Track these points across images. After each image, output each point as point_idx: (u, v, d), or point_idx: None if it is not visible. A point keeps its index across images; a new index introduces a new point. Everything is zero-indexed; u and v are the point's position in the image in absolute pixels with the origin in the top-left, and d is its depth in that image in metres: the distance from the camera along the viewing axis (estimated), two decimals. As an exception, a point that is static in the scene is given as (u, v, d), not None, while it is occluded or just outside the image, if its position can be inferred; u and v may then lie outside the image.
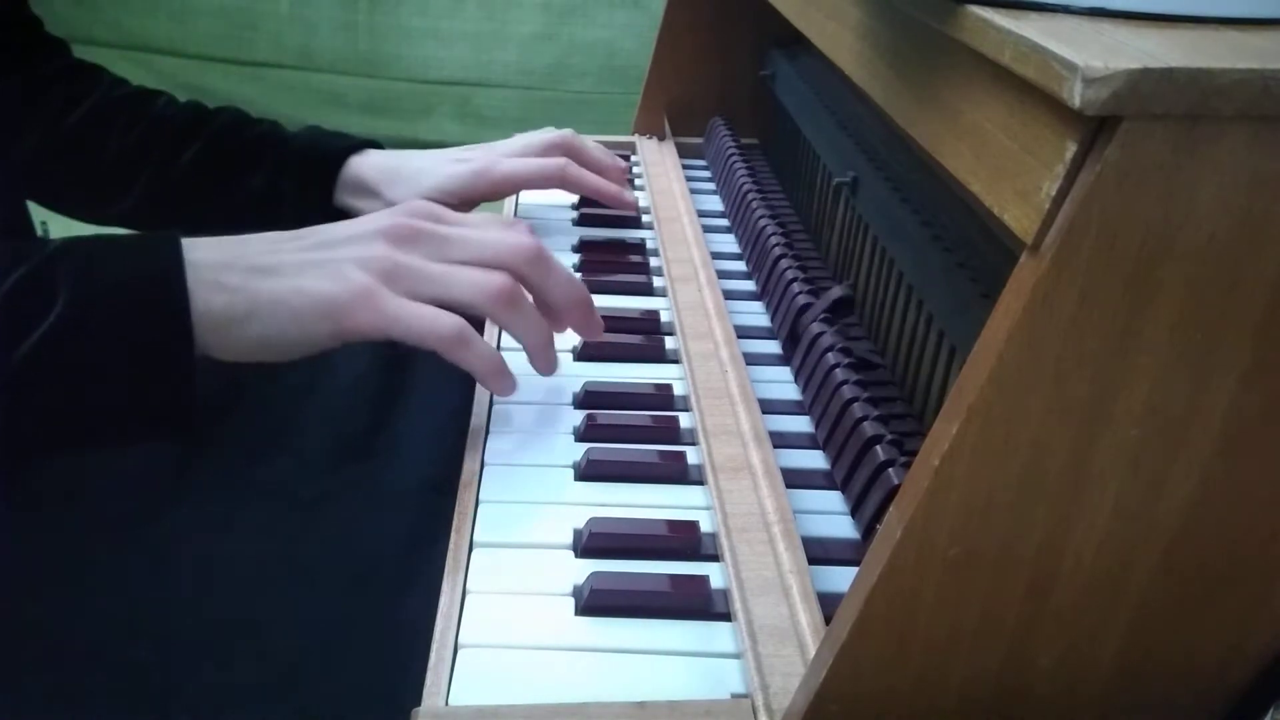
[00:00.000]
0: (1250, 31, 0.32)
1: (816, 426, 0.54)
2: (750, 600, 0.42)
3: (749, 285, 0.71)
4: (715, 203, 0.83)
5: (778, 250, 0.67)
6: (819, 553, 0.46)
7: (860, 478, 0.48)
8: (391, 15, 2.10)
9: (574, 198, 0.81)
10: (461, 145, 0.76)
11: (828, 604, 0.41)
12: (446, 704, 0.38)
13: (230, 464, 0.59)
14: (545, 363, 0.54)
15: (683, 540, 0.47)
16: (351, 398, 0.64)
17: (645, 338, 0.62)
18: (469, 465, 0.51)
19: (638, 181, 0.87)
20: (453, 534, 0.46)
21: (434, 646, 0.40)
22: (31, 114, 0.73)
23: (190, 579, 0.52)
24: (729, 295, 0.67)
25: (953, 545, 0.33)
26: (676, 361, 0.60)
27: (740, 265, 0.73)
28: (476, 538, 0.46)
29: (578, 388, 0.57)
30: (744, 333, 0.62)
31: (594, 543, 0.46)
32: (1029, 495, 0.33)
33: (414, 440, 0.61)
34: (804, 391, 0.57)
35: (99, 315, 0.45)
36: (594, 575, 0.44)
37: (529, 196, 0.82)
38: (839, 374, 0.53)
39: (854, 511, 0.49)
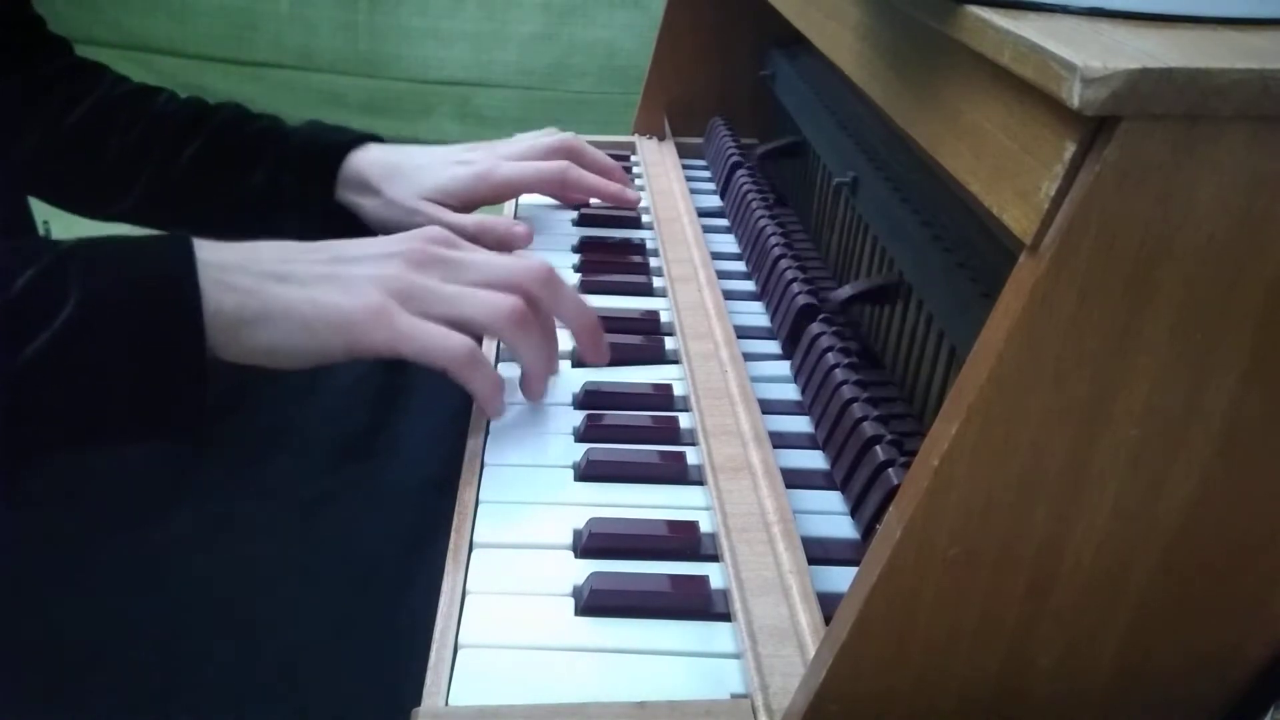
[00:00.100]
0: (1250, 31, 0.32)
1: (816, 426, 0.54)
2: (750, 600, 0.42)
3: (749, 285, 0.71)
4: (715, 203, 0.83)
5: (778, 250, 0.67)
6: (819, 553, 0.46)
7: (860, 478, 0.48)
8: (391, 15, 2.10)
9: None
10: (462, 144, 0.76)
11: (828, 604, 0.41)
12: (446, 704, 0.38)
13: (230, 464, 0.59)
14: (538, 388, 0.55)
15: (683, 540, 0.47)
16: (351, 398, 0.64)
17: (645, 338, 0.62)
18: (469, 465, 0.51)
19: (638, 181, 0.87)
20: (453, 534, 0.46)
21: (434, 646, 0.40)
22: (34, 112, 0.73)
23: (190, 579, 0.52)
24: (729, 295, 0.67)
25: (952, 545, 0.33)
26: (676, 362, 0.60)
27: (740, 265, 0.73)
28: (476, 538, 0.46)
29: (577, 388, 0.57)
30: (744, 333, 0.62)
31: (594, 543, 0.46)
32: (1029, 495, 0.33)
33: (414, 440, 0.61)
34: (804, 391, 0.57)
35: (110, 314, 0.45)
36: (594, 575, 0.44)
37: (529, 197, 0.82)
38: (839, 374, 0.53)
39: (854, 511, 0.49)
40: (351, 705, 0.48)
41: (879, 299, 0.58)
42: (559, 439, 0.54)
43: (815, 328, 0.58)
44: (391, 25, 2.10)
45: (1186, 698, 0.39)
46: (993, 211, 0.33)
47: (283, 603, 0.51)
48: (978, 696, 0.37)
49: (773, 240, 0.68)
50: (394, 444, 0.61)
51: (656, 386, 0.58)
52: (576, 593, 0.44)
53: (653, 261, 0.73)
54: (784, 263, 0.65)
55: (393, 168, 0.72)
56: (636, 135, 0.94)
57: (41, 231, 0.80)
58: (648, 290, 0.69)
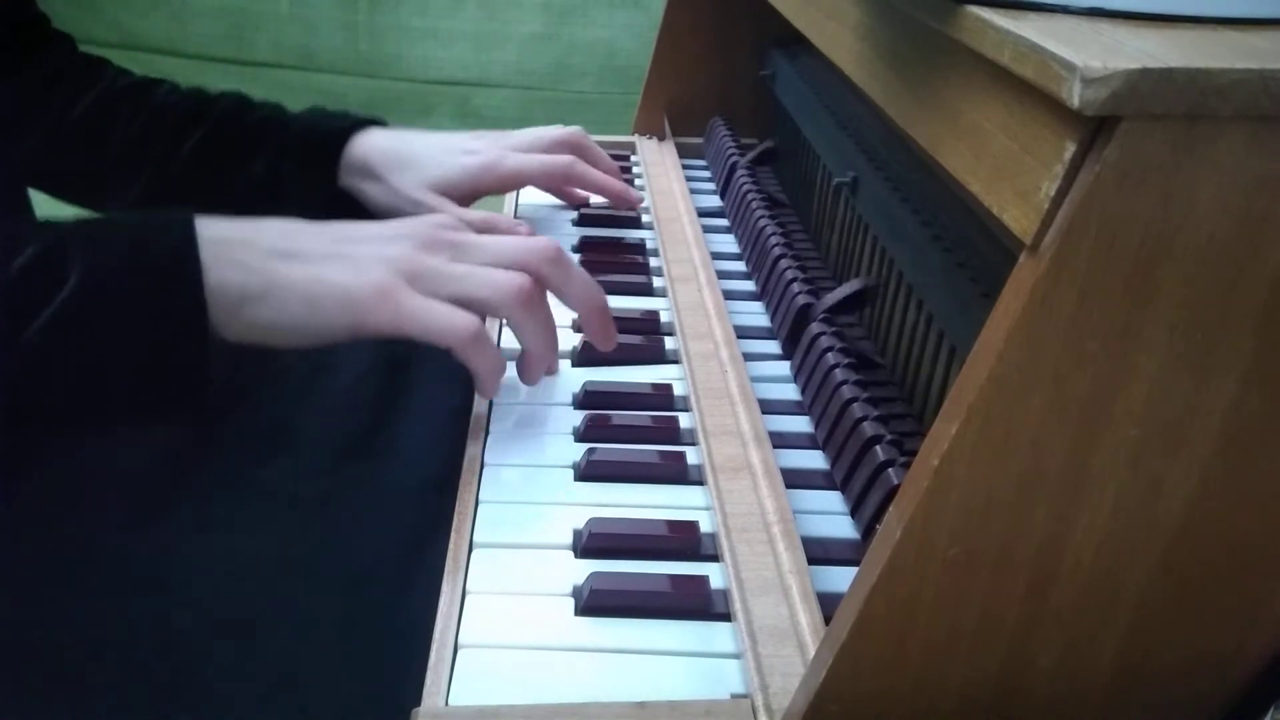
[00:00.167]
0: (1250, 31, 0.32)
1: (816, 426, 0.54)
2: (750, 600, 0.42)
3: (749, 285, 0.71)
4: (715, 203, 0.83)
5: (778, 250, 0.67)
6: (819, 553, 0.46)
7: (860, 478, 0.48)
8: (391, 15, 2.09)
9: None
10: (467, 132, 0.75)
11: (828, 604, 0.41)
12: (446, 704, 0.38)
13: (230, 464, 0.59)
14: (538, 371, 0.55)
15: (683, 540, 0.47)
16: (351, 398, 0.64)
17: (645, 338, 0.62)
18: (469, 466, 0.51)
19: (638, 182, 0.87)
20: (453, 534, 0.46)
21: (434, 646, 0.40)
22: (37, 108, 0.73)
23: (190, 579, 0.52)
24: (729, 295, 0.67)
25: (952, 545, 0.33)
26: (676, 362, 0.60)
27: (740, 265, 0.73)
28: (476, 538, 0.46)
29: (577, 388, 0.57)
30: (744, 333, 0.62)
31: (594, 543, 0.46)
32: (1029, 495, 0.33)
33: (414, 440, 0.61)
34: (804, 391, 0.57)
35: (111, 290, 0.45)
36: (594, 575, 0.44)
37: (530, 196, 0.82)
38: (839, 374, 0.53)
39: (854, 511, 0.49)
40: (351, 705, 0.48)
41: (858, 304, 0.59)
42: (559, 439, 0.54)
43: (815, 328, 0.58)
44: (391, 25, 2.10)
45: (1186, 698, 0.39)
46: (993, 211, 0.33)
47: (283, 603, 0.51)
48: (978, 696, 0.37)
49: (773, 240, 0.68)
50: (394, 444, 0.61)
51: (656, 386, 0.58)
52: (576, 593, 0.44)
53: (653, 261, 0.73)
54: (784, 263, 0.65)
55: (398, 155, 0.71)
56: (636, 135, 0.94)
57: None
58: (648, 290, 0.69)
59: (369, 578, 0.53)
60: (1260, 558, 0.35)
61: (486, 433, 0.53)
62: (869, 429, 0.49)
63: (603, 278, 0.69)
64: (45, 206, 0.76)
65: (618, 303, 0.67)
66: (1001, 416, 0.31)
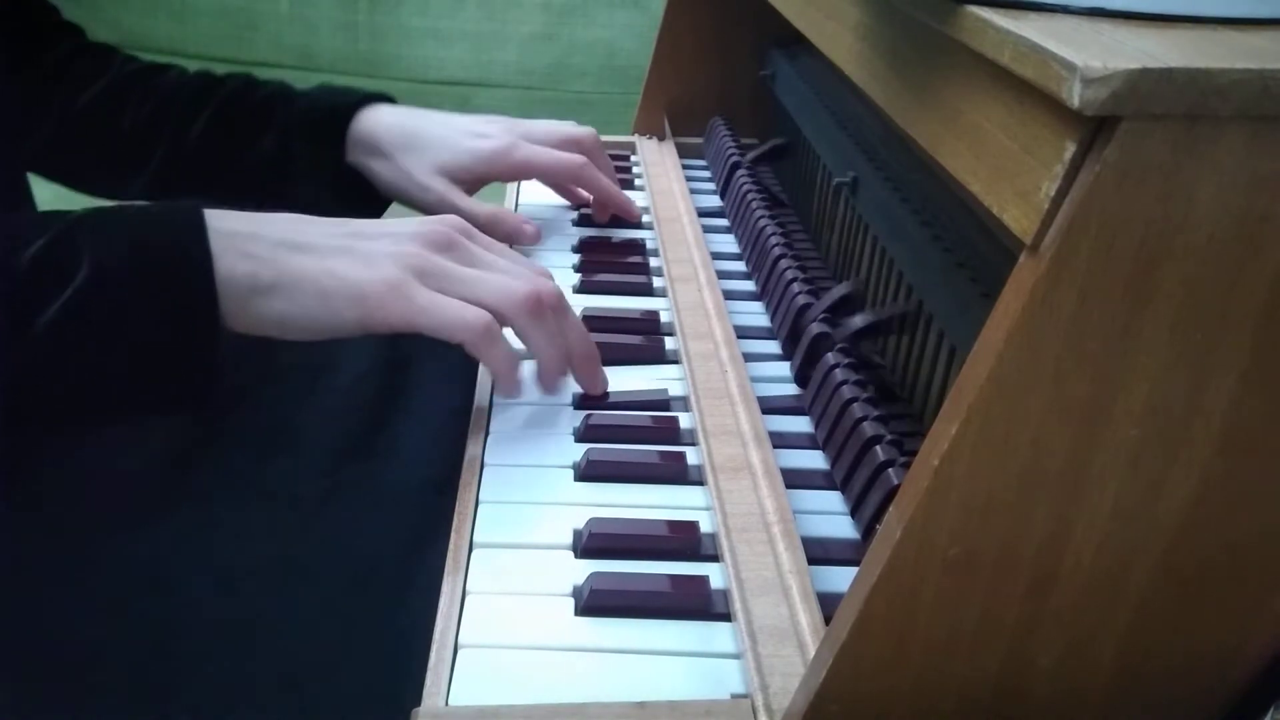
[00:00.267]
0: (1249, 31, 0.32)
1: (816, 426, 0.54)
2: (750, 600, 0.42)
3: (749, 285, 0.71)
4: (715, 203, 0.83)
5: (778, 250, 0.67)
6: (819, 553, 0.46)
7: (860, 478, 0.48)
8: (391, 15, 2.09)
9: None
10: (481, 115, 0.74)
11: (828, 604, 0.41)
12: (446, 704, 0.38)
13: (230, 464, 0.59)
14: (555, 379, 0.55)
15: (683, 540, 0.47)
16: (351, 398, 0.64)
17: (645, 338, 0.62)
18: (469, 465, 0.51)
19: (637, 182, 0.87)
20: (453, 534, 0.46)
21: (434, 646, 0.40)
22: (49, 99, 0.73)
23: (190, 579, 0.52)
24: (729, 295, 0.67)
25: (952, 545, 0.33)
26: (676, 362, 0.60)
27: (740, 265, 0.73)
28: (476, 538, 0.46)
29: (577, 388, 0.57)
30: (744, 333, 0.62)
31: (594, 543, 0.46)
32: (1029, 495, 0.33)
33: (414, 440, 0.61)
34: (804, 391, 0.57)
35: (121, 280, 0.45)
36: (594, 575, 0.44)
37: (530, 196, 0.82)
38: (839, 374, 0.53)
39: (854, 511, 0.49)
40: (351, 706, 0.48)
41: (858, 306, 0.58)
42: (559, 439, 0.54)
43: (815, 328, 0.58)
44: (391, 25, 2.10)
45: (1186, 698, 0.39)
46: (993, 211, 0.33)
47: (283, 603, 0.51)
48: (978, 696, 0.37)
49: (773, 240, 0.68)
50: (394, 444, 0.61)
51: (656, 386, 0.58)
52: (576, 593, 0.44)
53: (653, 261, 0.73)
54: (784, 263, 0.65)
55: (408, 135, 0.71)
56: (636, 135, 0.94)
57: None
58: (648, 290, 0.69)
59: (369, 578, 0.53)
60: (1260, 558, 0.35)
61: (486, 433, 0.53)
62: (869, 429, 0.49)
63: (603, 277, 0.70)
64: (59, 199, 0.76)
65: (618, 303, 0.67)
66: (1001, 416, 0.31)
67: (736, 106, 0.91)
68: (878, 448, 0.47)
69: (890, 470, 0.46)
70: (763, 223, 0.71)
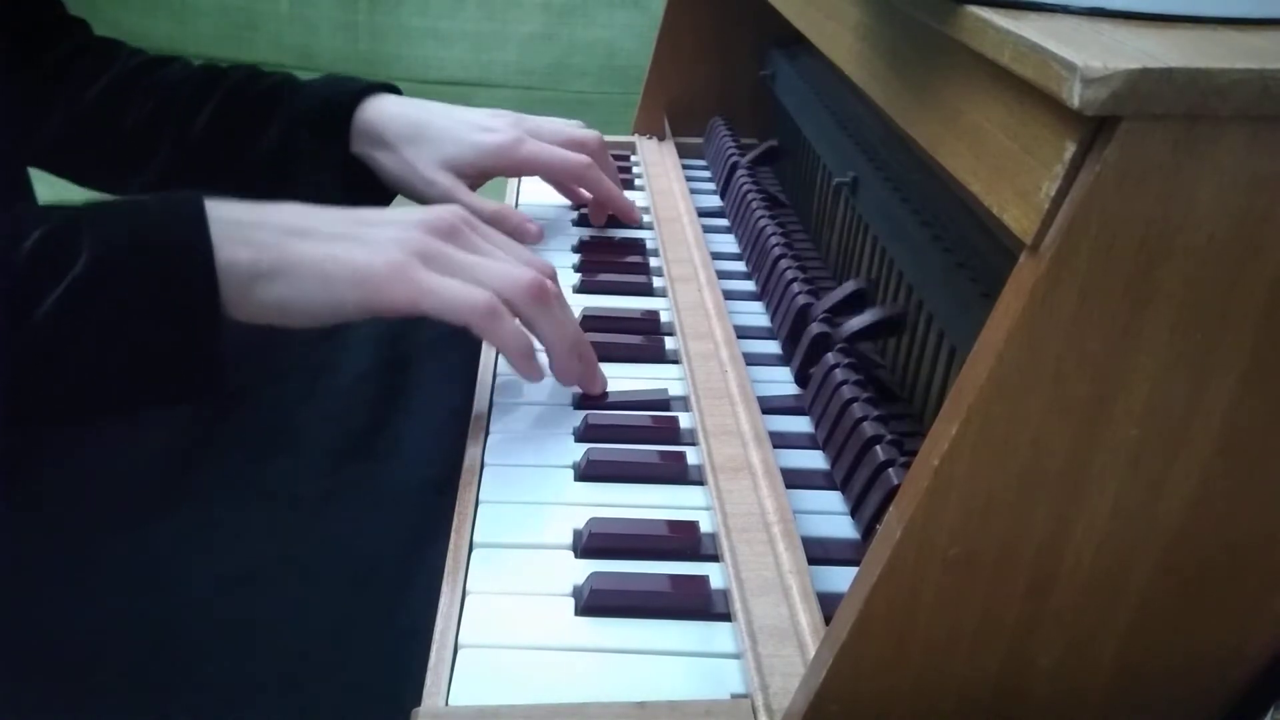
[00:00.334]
0: (1249, 31, 0.32)
1: (816, 426, 0.54)
2: (750, 600, 0.42)
3: (749, 285, 0.71)
4: (715, 203, 0.83)
5: (778, 250, 0.67)
6: (819, 553, 0.46)
7: (860, 478, 0.48)
8: (391, 15, 2.09)
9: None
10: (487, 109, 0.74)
11: (828, 604, 0.41)
12: (446, 704, 0.38)
13: (230, 464, 0.59)
14: (568, 363, 0.54)
15: (683, 540, 0.47)
16: (351, 398, 0.64)
17: (645, 338, 0.62)
18: (469, 465, 0.51)
19: (638, 182, 0.87)
20: (453, 534, 0.46)
21: (434, 646, 0.40)
22: (55, 94, 0.73)
23: (190, 579, 0.52)
24: (729, 295, 0.67)
25: (952, 545, 0.33)
26: (676, 361, 0.60)
27: (740, 265, 0.73)
28: (476, 538, 0.46)
29: (577, 388, 0.57)
30: (744, 333, 0.62)
31: (594, 543, 0.46)
32: (1029, 495, 0.33)
33: (414, 440, 0.61)
34: (804, 391, 0.57)
35: (121, 269, 0.45)
36: (594, 575, 0.44)
37: (531, 195, 0.82)
38: (839, 374, 0.53)
39: (854, 511, 0.49)
40: (351, 705, 0.48)
41: (861, 306, 0.58)
42: (559, 439, 0.54)
43: (815, 328, 0.58)
44: (391, 25, 2.10)
45: (1186, 698, 0.39)
46: (993, 211, 0.33)
47: (283, 603, 0.51)
48: (978, 697, 0.37)
49: (773, 240, 0.68)
50: (394, 444, 0.61)
51: (656, 386, 0.58)
52: (576, 593, 0.44)
53: (653, 261, 0.73)
54: (784, 263, 0.65)
55: (413, 127, 0.71)
56: (636, 135, 0.94)
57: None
58: (648, 290, 0.69)
59: (369, 578, 0.53)
60: (1260, 558, 0.35)
61: (486, 433, 0.53)
62: (869, 429, 0.49)
63: (603, 277, 0.70)
64: (59, 198, 0.76)
65: (618, 303, 0.67)
66: (1001, 416, 0.31)
67: (736, 106, 0.91)
68: (878, 448, 0.47)
69: (890, 470, 0.46)
70: (763, 223, 0.71)
